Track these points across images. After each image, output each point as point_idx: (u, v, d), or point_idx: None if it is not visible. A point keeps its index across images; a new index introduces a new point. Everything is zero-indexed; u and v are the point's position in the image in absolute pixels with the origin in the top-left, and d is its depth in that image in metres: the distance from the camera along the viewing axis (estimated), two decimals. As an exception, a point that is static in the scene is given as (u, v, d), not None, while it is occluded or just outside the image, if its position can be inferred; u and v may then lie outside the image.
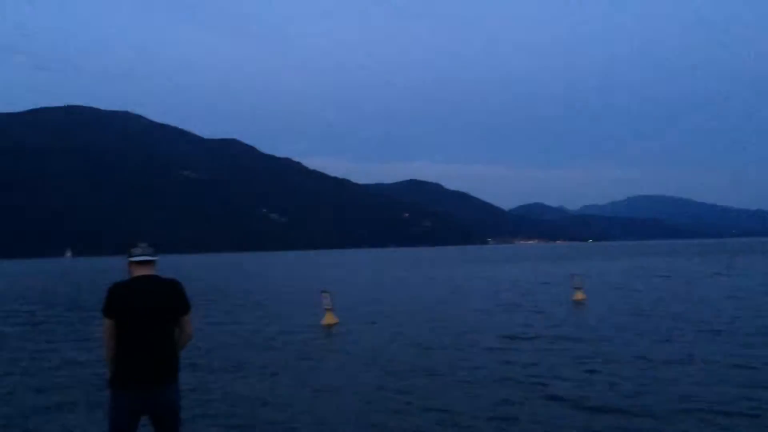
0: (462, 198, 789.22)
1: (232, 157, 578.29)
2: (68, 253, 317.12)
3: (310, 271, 67.81)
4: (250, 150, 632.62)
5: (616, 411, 8.66)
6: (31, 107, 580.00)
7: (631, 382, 10.44)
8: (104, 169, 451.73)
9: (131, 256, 4.26)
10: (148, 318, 4.05)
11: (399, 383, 10.99)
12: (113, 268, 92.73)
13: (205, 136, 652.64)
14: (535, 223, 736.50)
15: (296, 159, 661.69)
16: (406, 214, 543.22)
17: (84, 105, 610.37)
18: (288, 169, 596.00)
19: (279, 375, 11.97)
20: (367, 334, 17.19)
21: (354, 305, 24.80)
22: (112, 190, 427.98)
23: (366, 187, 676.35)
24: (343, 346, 15.39)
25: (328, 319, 19.26)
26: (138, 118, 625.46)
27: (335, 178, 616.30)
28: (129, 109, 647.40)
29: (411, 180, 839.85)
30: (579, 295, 24.61)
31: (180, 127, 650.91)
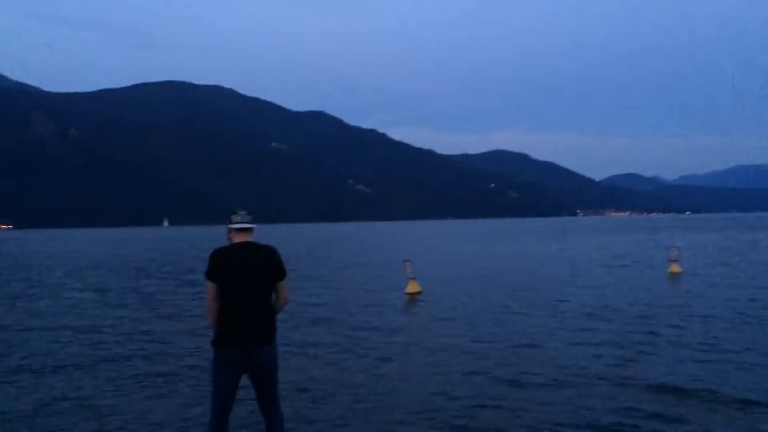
0: (550, 168, 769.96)
1: (320, 129, 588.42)
2: (165, 222, 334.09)
3: (394, 241, 68.35)
4: (337, 122, 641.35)
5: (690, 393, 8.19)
6: (132, 83, 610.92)
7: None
8: (199, 142, 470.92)
9: (231, 224, 4.44)
10: (247, 282, 4.24)
11: (482, 351, 10.89)
12: (207, 235, 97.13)
13: (294, 109, 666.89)
14: (627, 194, 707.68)
15: (381, 130, 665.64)
16: (492, 185, 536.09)
17: (180, 80, 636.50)
18: (374, 141, 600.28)
19: (360, 342, 12.11)
20: (450, 303, 17.13)
21: (438, 275, 24.82)
22: (207, 162, 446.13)
23: (451, 158, 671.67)
24: (425, 315, 15.45)
25: (412, 287, 19.33)
26: (230, 92, 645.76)
27: (420, 149, 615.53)
28: (222, 84, 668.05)
29: (496, 150, 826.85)
30: (675, 268, 23.58)
31: (270, 100, 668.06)
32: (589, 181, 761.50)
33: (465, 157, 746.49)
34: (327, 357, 10.74)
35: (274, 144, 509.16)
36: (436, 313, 15.28)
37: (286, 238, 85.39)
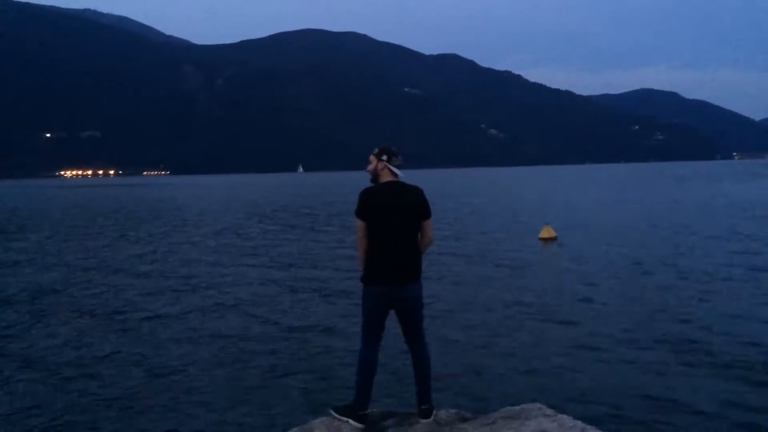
0: (702, 107, 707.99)
1: (452, 73, 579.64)
2: (300, 168, 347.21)
3: (528, 187, 67.50)
4: (469, 64, 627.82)
5: None
6: (271, 33, 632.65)
7: None
8: (333, 88, 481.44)
9: (390, 163, 4.59)
10: (395, 220, 4.37)
11: (616, 300, 11.26)
12: (342, 181, 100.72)
13: (426, 53, 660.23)
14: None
15: (516, 72, 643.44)
16: (636, 127, 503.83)
17: (316, 28, 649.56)
18: (508, 83, 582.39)
19: (494, 283, 12.89)
20: (585, 249, 17.29)
21: (575, 221, 24.68)
22: (340, 108, 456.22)
23: (591, 98, 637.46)
24: (559, 260, 15.81)
25: (546, 233, 19.65)
26: (364, 38, 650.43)
27: (557, 90, 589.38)
28: (356, 30, 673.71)
29: (642, 89, 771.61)
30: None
31: (402, 44, 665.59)
32: (747, 122, 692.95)
33: (606, 98, 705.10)
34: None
35: (406, 89, 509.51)
36: (567, 259, 15.58)
37: (419, 183, 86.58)
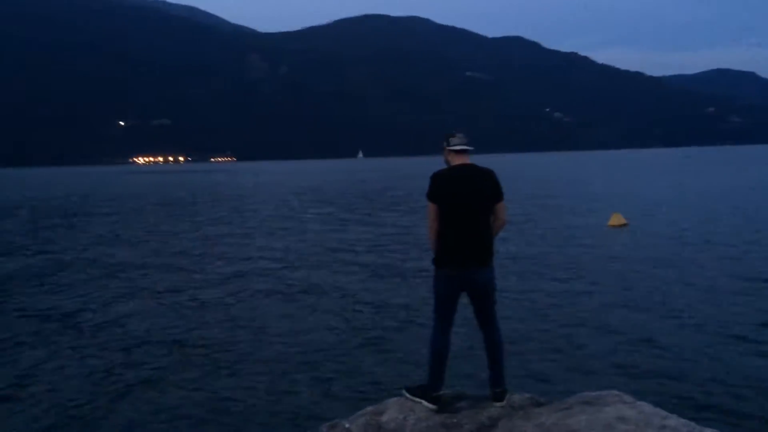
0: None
1: (516, 55, 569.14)
2: (360, 154, 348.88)
3: (596, 172, 65.92)
4: (533, 47, 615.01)
5: None
6: (334, 19, 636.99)
7: None
8: (394, 74, 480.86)
9: (450, 146, 4.53)
10: (466, 203, 4.33)
11: (684, 292, 10.98)
12: (403, 166, 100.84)
13: (489, 36, 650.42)
14: None
15: (583, 53, 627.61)
16: (711, 109, 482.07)
17: (378, 14, 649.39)
18: (574, 65, 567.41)
19: (563, 269, 12.74)
20: (656, 236, 16.87)
21: (645, 208, 24.09)
22: (401, 94, 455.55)
23: (662, 79, 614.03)
24: (629, 247, 15.46)
25: (616, 219, 19.21)
26: (426, 23, 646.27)
27: (627, 72, 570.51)
28: (418, 14, 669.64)
29: (718, 69, 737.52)
30: None
31: (465, 28, 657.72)
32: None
33: (679, 79, 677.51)
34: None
35: (468, 73, 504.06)
36: (637, 246, 15.25)
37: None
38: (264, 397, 6.72)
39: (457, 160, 4.50)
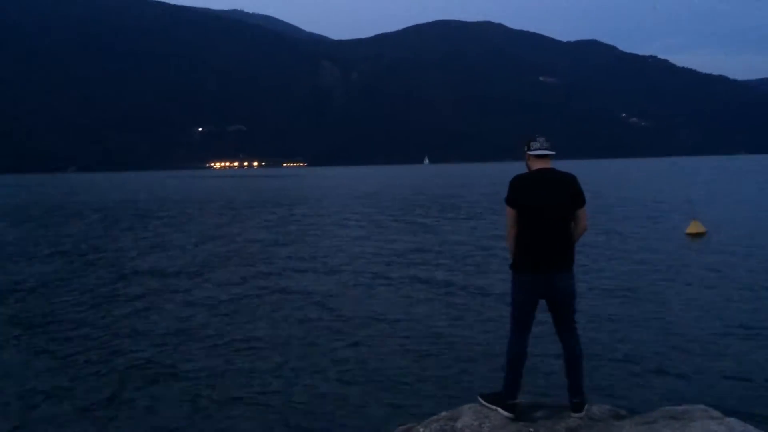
0: None
1: (591, 59, 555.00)
2: (426, 160, 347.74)
3: (674, 178, 63.87)
4: (609, 50, 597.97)
5: None
6: (405, 26, 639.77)
7: None
8: (465, 79, 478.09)
9: (530, 150, 4.51)
10: (546, 208, 4.27)
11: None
12: (473, 172, 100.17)
13: (564, 39, 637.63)
14: None
15: (662, 56, 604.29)
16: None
17: (450, 19, 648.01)
18: (652, 69, 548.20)
19: (640, 278, 12.79)
20: (736, 246, 16.51)
21: (725, 216, 23.43)
22: (471, 99, 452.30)
23: (748, 83, 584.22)
24: (709, 256, 15.24)
25: (694, 227, 18.92)
26: (499, 27, 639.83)
27: (709, 76, 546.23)
28: (491, 19, 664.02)
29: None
30: None
31: (538, 32, 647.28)
32: None
33: (766, 83, 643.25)
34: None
35: (541, 77, 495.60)
36: (717, 255, 14.98)
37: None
38: (338, 399, 6.72)
39: (537, 165, 4.47)
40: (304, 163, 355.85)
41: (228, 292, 12.02)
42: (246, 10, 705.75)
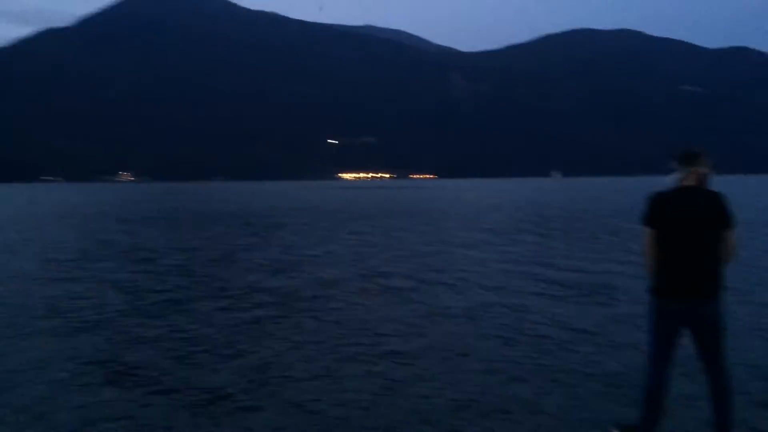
0: None
1: (740, 68, 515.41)
2: (555, 174, 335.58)
3: None
4: (761, 57, 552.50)
5: None
6: (536, 36, 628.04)
7: None
8: (601, 89, 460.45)
9: (682, 164, 4.13)
10: (688, 228, 3.95)
11: None
12: (609, 186, 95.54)
13: (709, 47, 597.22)
14: None
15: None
16: None
17: (585, 28, 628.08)
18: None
19: None
20: None
21: None
22: (607, 110, 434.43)
23: None
24: None
25: None
26: (637, 35, 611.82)
27: None
28: (628, 27, 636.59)
29: None
30: None
31: (680, 39, 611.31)
32: None
33: None
34: None
35: (683, 86, 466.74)
36: None
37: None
38: (473, 415, 6.55)
39: (684, 181, 4.10)
40: (432, 174, 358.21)
41: (371, 302, 12.00)
42: (377, 25, 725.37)
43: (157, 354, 7.66)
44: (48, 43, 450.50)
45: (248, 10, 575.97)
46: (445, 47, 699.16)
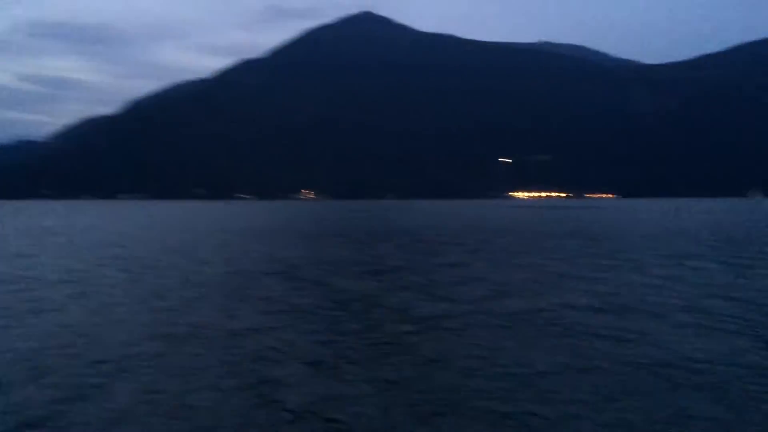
0: None
1: None
2: (756, 194, 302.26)
3: None
4: None
5: None
6: (733, 44, 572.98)
7: None
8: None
9: None
10: None
11: None
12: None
13: None
14: None
15: None
16: None
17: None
18: None
19: None
20: None
21: None
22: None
23: None
24: None
25: None
26: None
27: None
28: None
29: None
30: None
31: None
32: None
33: None
34: None
35: None
36: None
37: None
38: None
39: None
40: (611, 194, 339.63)
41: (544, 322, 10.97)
42: (553, 41, 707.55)
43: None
44: (244, 73, 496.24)
45: (424, 33, 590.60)
46: (627, 60, 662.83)
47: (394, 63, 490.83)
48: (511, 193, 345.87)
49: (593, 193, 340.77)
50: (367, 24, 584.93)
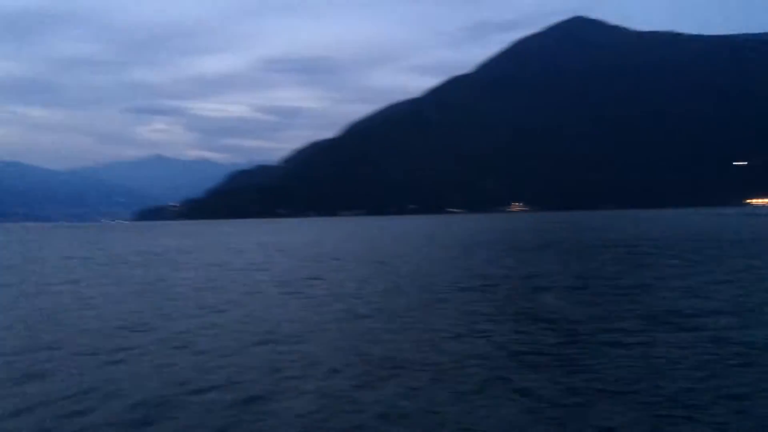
0: None
1: None
2: None
3: None
4: None
5: None
6: None
7: None
8: None
9: None
10: None
11: None
12: None
13: None
14: None
15: None
16: None
17: None
18: None
19: None
20: None
21: None
22: None
23: None
24: None
25: None
26: None
27: None
28: None
29: None
30: None
31: None
32: None
33: None
34: None
35: None
36: None
37: None
38: None
39: None
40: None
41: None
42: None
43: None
44: (453, 90, 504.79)
45: (642, 33, 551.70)
46: None
47: (611, 66, 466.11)
48: (748, 200, 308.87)
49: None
50: (578, 29, 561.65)
